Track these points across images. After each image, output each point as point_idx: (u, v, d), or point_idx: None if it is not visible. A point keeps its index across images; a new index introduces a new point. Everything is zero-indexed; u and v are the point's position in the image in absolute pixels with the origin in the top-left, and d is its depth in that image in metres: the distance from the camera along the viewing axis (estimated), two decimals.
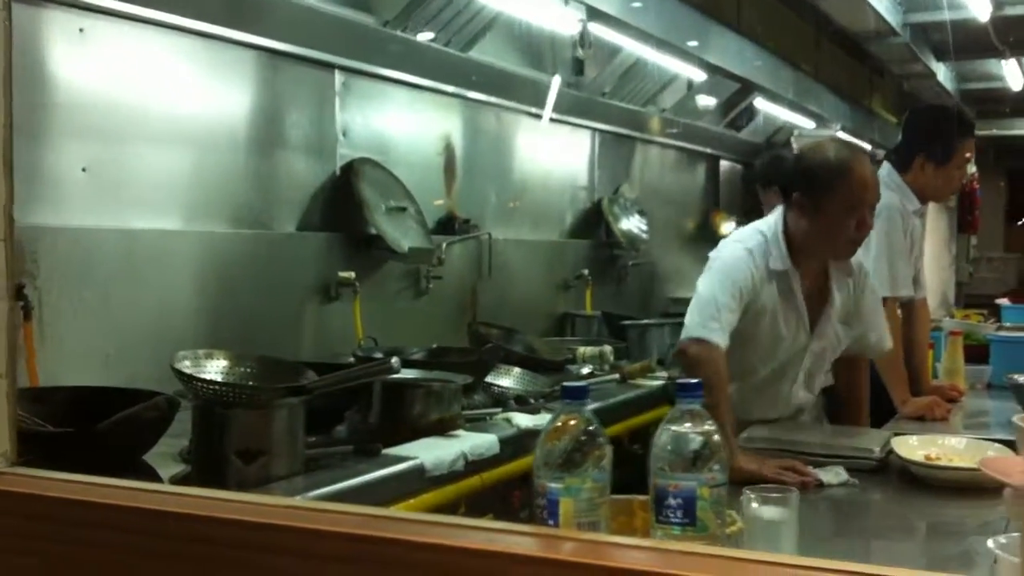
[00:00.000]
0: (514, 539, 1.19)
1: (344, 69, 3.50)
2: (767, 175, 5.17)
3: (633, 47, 4.26)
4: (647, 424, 3.71)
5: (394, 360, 2.29)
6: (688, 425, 1.41)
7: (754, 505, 1.64)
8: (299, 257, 3.31)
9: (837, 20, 5.00)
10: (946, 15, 5.11)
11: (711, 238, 6.32)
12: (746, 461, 2.30)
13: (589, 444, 1.39)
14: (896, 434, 2.71)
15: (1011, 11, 5.09)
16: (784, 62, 5.04)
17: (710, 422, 1.42)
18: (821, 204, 2.51)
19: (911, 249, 3.33)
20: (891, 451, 2.43)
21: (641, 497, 1.55)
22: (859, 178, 2.50)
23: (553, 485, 1.37)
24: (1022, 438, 1.45)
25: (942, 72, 6.25)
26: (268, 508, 1.33)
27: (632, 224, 5.24)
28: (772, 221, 2.67)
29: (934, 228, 7.76)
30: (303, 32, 3.27)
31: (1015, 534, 1.58)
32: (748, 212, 6.62)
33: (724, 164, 6.68)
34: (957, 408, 3.37)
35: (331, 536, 1.24)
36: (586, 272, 4.80)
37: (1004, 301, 6.07)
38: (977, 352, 4.00)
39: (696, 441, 1.40)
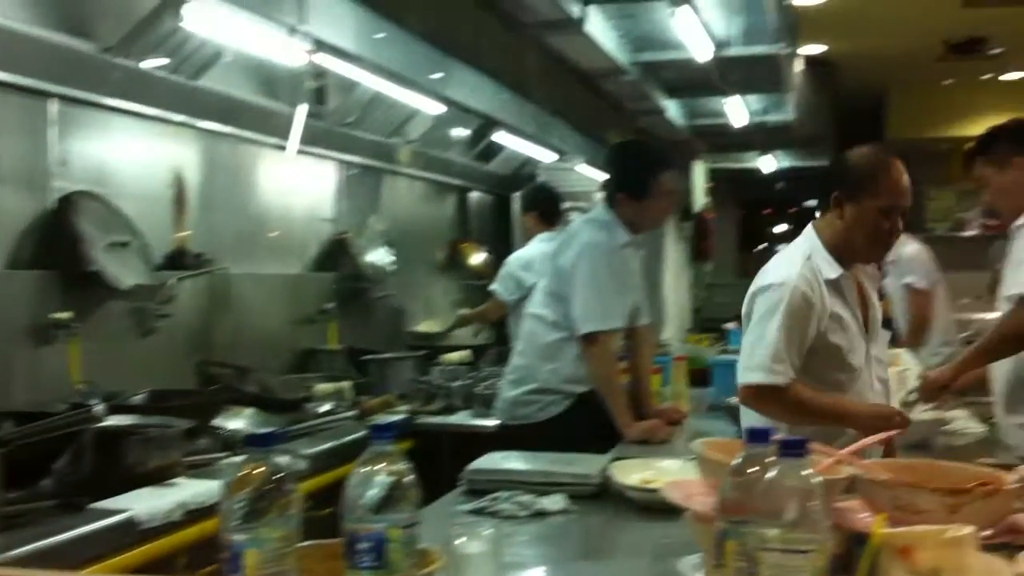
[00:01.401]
0: None
1: (60, 97, 3.29)
2: (528, 201, 5.35)
3: (367, 80, 4.25)
4: None
5: (97, 407, 2.16)
6: (380, 466, 1.40)
7: (456, 541, 1.65)
8: (7, 297, 3.07)
9: (569, 57, 5.19)
10: (671, 55, 5.41)
11: (461, 269, 6.41)
12: None
13: (275, 492, 1.35)
14: (616, 459, 2.82)
15: (729, 52, 5.46)
16: (524, 97, 5.17)
17: (403, 463, 1.41)
18: (861, 204, 2.62)
19: (626, 283, 3.48)
20: (609, 476, 2.51)
21: None
22: (895, 180, 2.62)
23: (237, 537, 1.31)
24: (702, 464, 1.52)
25: (672, 108, 6.61)
26: None
27: (379, 256, 5.22)
28: (803, 240, 2.74)
29: (673, 257, 8.20)
30: (11, 58, 3.05)
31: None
32: (499, 242, 6.77)
33: (474, 195, 6.78)
34: (680, 430, 3.54)
35: None
36: (331, 306, 4.73)
37: (731, 325, 6.44)
38: (701, 375, 4.24)
39: (387, 483, 1.39)
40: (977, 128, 9.57)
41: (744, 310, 2.76)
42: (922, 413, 3.26)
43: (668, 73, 5.92)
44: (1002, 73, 8.99)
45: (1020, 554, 1.26)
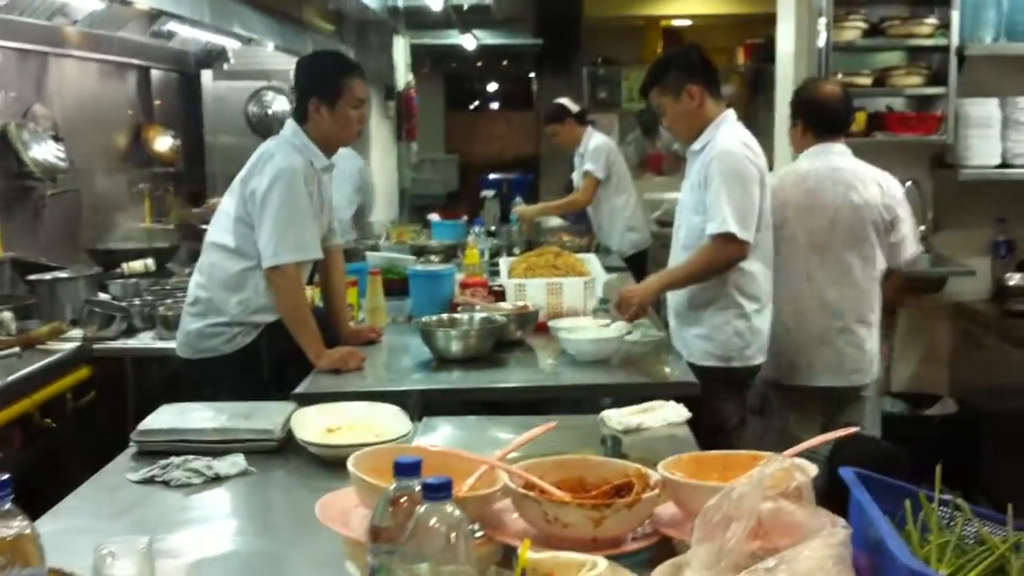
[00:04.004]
0: None
1: None
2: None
3: None
4: (61, 393, 3.44)
5: None
6: None
7: (107, 560, 1.53)
8: None
9: None
10: None
11: (144, 156, 5.97)
12: None
13: None
14: (301, 398, 2.76)
15: None
16: None
17: (21, 518, 1.27)
18: None
19: (321, 208, 3.35)
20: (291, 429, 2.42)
21: None
22: None
23: None
24: (357, 484, 1.47)
25: None
26: None
27: (47, 151, 4.74)
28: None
29: (378, 138, 8.06)
30: None
31: None
32: (189, 124, 6.36)
33: (157, 74, 6.28)
34: (377, 349, 3.50)
35: None
36: None
37: (434, 216, 6.44)
38: (399, 285, 4.20)
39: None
40: (668, 7, 9.95)
41: (883, 215, 3.66)
42: (606, 328, 3.39)
43: None
44: None
45: (655, 570, 1.32)
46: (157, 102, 6.29)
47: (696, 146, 3.48)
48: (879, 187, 3.67)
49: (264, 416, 2.50)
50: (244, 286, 3.26)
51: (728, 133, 3.42)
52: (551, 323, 3.46)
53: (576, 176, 6.30)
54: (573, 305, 3.73)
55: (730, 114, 3.50)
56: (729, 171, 3.32)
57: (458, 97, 12.61)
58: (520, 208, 6.26)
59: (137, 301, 3.99)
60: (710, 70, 3.53)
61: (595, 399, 3.20)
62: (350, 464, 1.45)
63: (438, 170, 9.88)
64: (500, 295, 3.92)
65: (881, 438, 3.93)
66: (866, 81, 4.76)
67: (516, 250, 5.41)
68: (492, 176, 9.40)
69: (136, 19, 5.57)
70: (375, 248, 5.36)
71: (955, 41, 4.61)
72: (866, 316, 3.71)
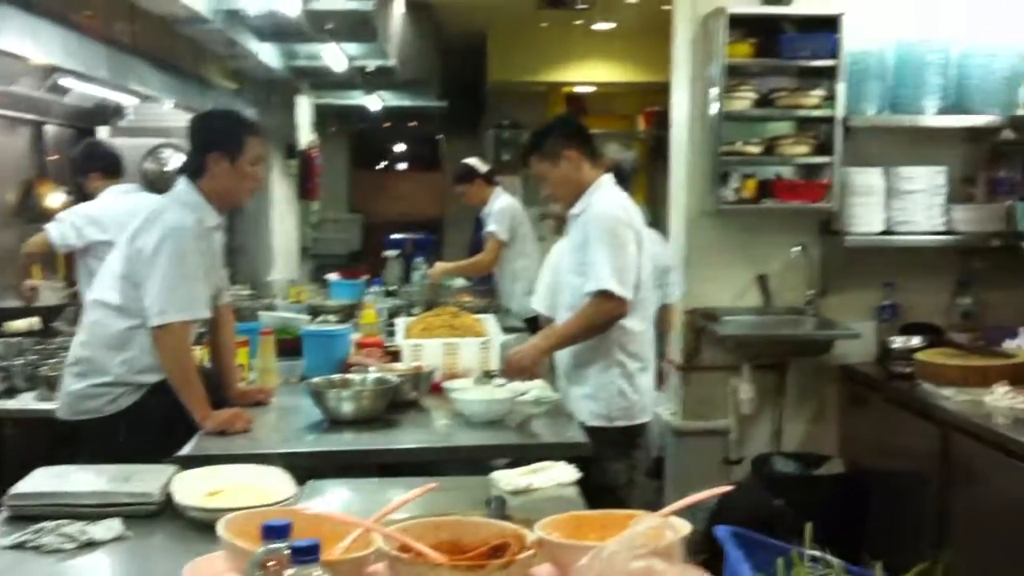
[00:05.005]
0: None
1: None
2: (84, 164, 4.96)
3: None
4: None
5: None
6: None
7: None
8: None
9: (141, 4, 4.73)
10: (258, 3, 5.13)
11: (35, 212, 5.82)
12: None
13: None
14: (183, 461, 2.69)
15: (319, 6, 5.31)
16: (93, 40, 4.66)
17: None
18: None
19: (212, 266, 3.31)
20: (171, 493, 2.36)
21: None
22: None
23: None
24: (227, 548, 1.44)
25: (265, 52, 6.33)
26: None
27: None
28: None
29: (279, 196, 8.01)
30: None
31: None
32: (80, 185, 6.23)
33: (51, 129, 6.17)
34: (268, 410, 3.43)
35: None
36: None
37: (334, 276, 6.40)
38: (293, 345, 4.14)
39: None
40: (571, 73, 10.15)
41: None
42: (500, 389, 3.39)
43: (259, 20, 5.62)
44: (592, 23, 9.52)
45: None
46: (54, 157, 6.17)
47: (575, 210, 3.57)
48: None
49: (144, 479, 2.43)
50: (128, 345, 3.19)
51: (604, 196, 3.54)
52: (445, 384, 3.46)
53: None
54: (469, 366, 3.73)
55: (607, 178, 3.61)
56: (606, 231, 3.42)
57: (364, 157, 12.62)
58: (435, 267, 6.28)
59: (20, 361, 3.87)
60: (586, 136, 3.64)
61: (489, 460, 3.20)
62: (219, 527, 1.42)
63: (340, 229, 9.85)
64: (396, 355, 3.90)
65: (769, 494, 3.99)
66: (756, 149, 4.90)
67: (416, 310, 5.40)
68: (395, 236, 9.41)
69: (30, 73, 5.48)
70: (271, 308, 5.30)
71: (840, 112, 4.79)
72: None
